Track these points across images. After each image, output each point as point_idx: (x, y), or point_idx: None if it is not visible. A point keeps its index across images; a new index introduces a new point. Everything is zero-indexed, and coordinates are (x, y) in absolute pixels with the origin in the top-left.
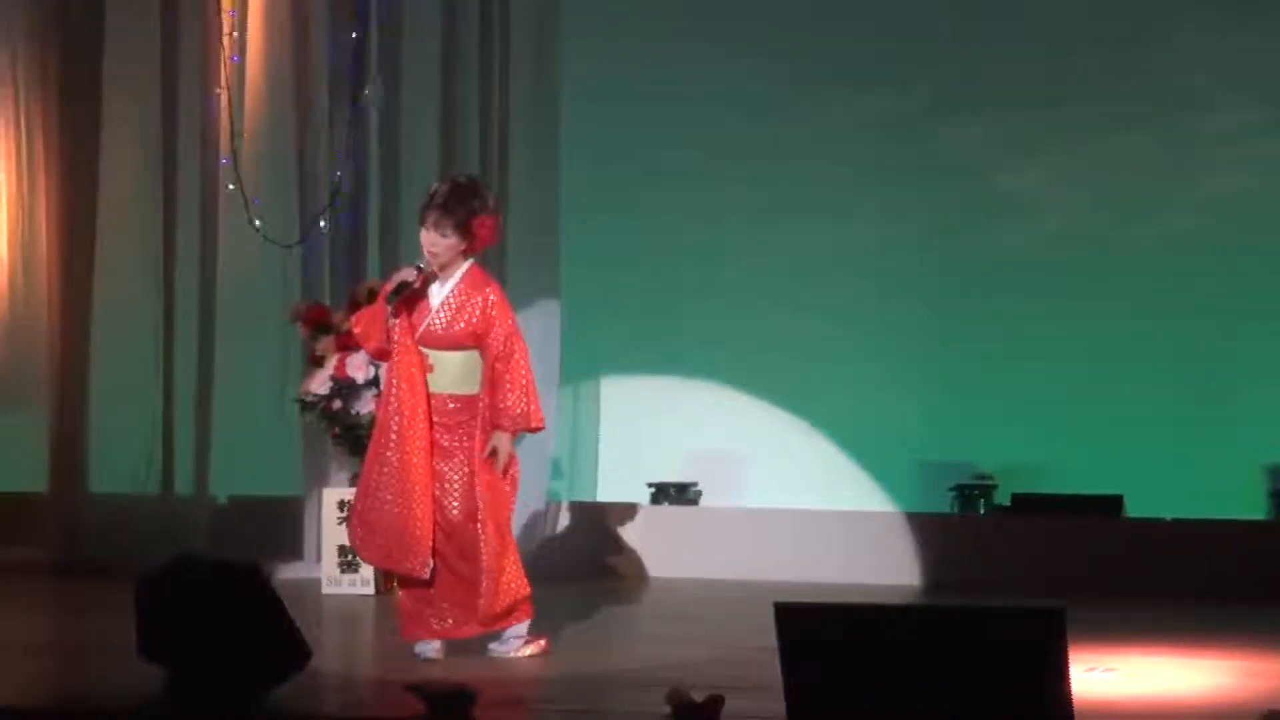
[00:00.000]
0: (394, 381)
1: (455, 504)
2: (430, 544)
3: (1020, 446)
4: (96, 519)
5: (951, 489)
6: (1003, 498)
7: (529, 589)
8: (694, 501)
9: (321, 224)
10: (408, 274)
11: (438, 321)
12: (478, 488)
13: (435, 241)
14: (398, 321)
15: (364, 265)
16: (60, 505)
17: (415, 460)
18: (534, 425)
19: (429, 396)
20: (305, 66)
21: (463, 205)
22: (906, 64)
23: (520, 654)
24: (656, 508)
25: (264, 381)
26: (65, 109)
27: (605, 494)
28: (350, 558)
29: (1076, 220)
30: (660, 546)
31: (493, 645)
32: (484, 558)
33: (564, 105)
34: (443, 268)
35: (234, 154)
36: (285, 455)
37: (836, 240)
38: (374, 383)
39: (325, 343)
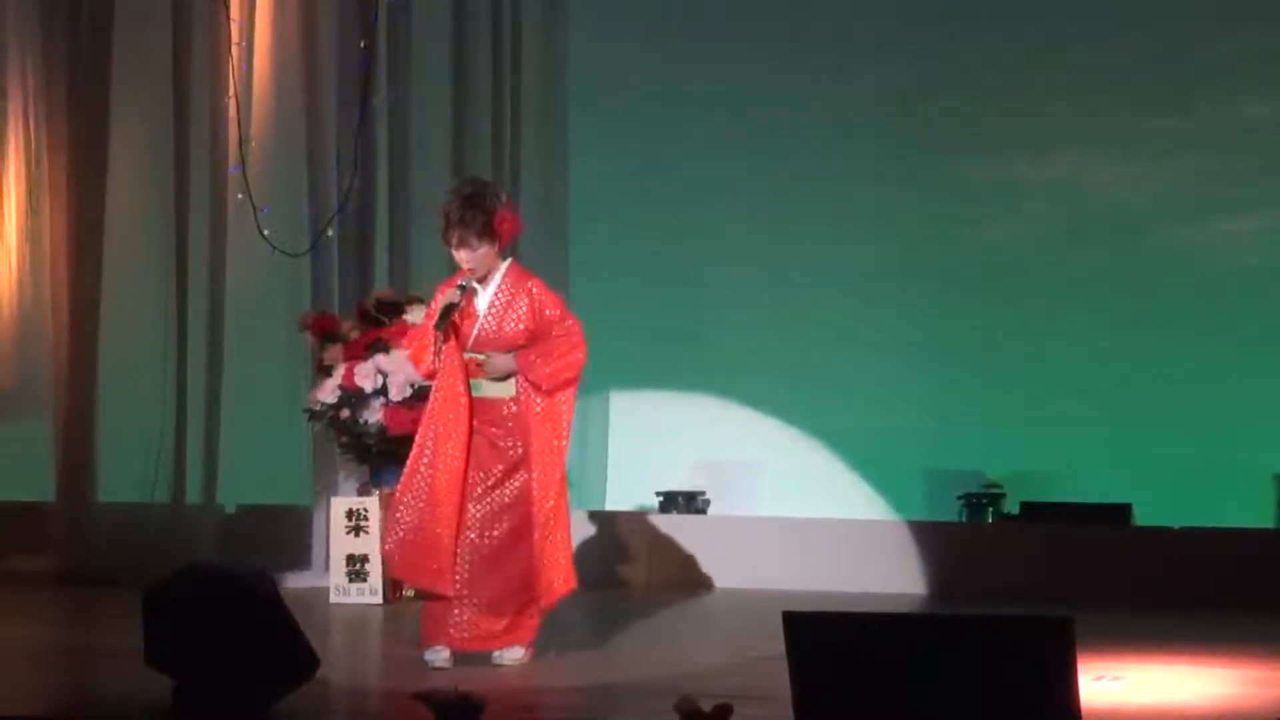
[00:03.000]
0: (436, 404)
1: (504, 505)
2: (454, 562)
3: (1028, 455)
4: (105, 527)
5: (959, 498)
6: (1011, 507)
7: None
8: (702, 510)
9: (330, 233)
10: (451, 297)
11: (489, 325)
12: (531, 493)
13: (469, 258)
14: (446, 346)
15: (372, 274)
16: (68, 514)
17: (447, 483)
18: (535, 380)
19: (476, 405)
20: (314, 74)
21: (479, 211)
22: (919, 70)
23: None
24: (665, 516)
25: (272, 390)
26: (74, 119)
27: (614, 502)
28: (359, 567)
29: (1086, 227)
30: (669, 555)
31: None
32: (534, 549)
33: (573, 115)
34: (484, 278)
35: (243, 162)
36: (294, 464)
37: (845, 251)
38: (382, 391)
39: (333, 351)
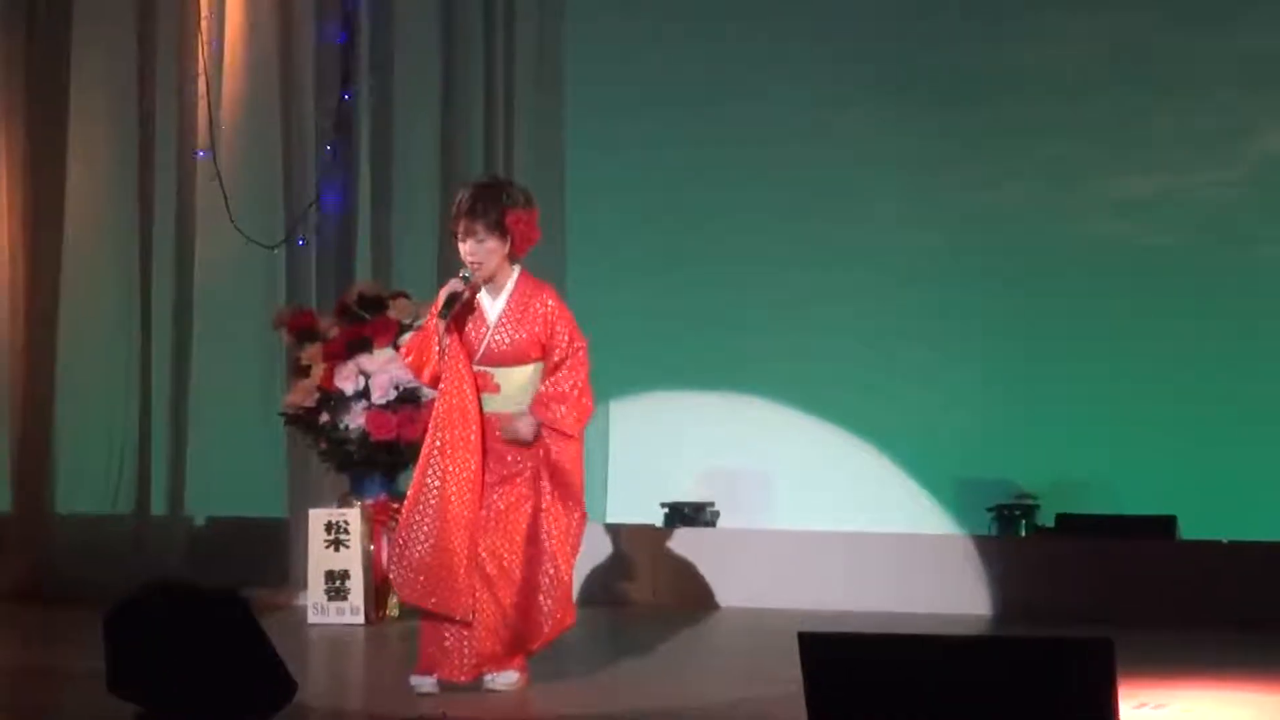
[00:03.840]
0: (442, 412)
1: (514, 527)
2: (471, 586)
3: (1065, 463)
4: (64, 542)
5: (990, 509)
6: (1046, 519)
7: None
8: (711, 523)
9: (308, 223)
10: (454, 285)
11: (500, 337)
12: (544, 515)
13: (474, 250)
14: (451, 341)
15: (353, 267)
16: (25, 527)
17: (458, 499)
18: (561, 428)
19: (487, 421)
20: (289, 51)
21: (492, 205)
22: (942, 52)
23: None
24: (670, 530)
25: (245, 393)
26: (31, 98)
27: (616, 515)
28: (339, 584)
29: (1125, 227)
30: (675, 572)
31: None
32: (541, 588)
33: (569, 107)
34: (489, 278)
35: (213, 147)
36: (268, 473)
37: (861, 244)
38: (364, 394)
39: (311, 351)
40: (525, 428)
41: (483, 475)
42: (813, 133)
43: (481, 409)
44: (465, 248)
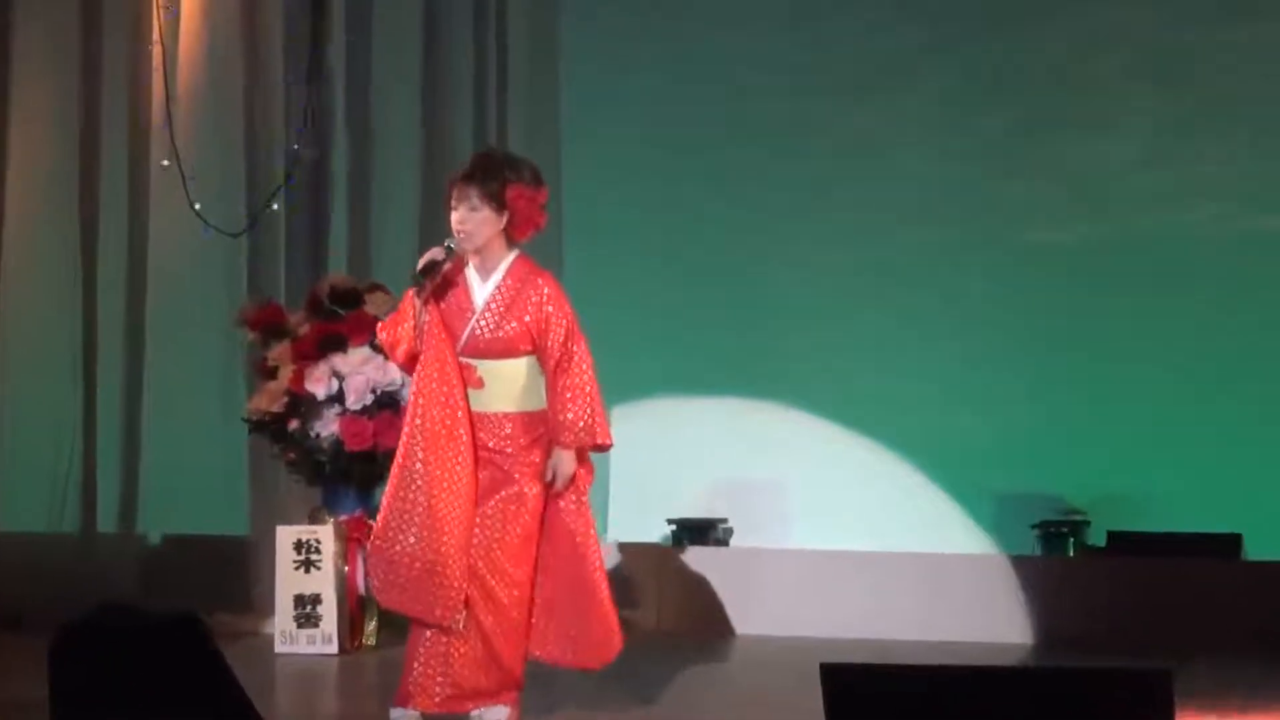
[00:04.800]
0: (420, 402)
1: (500, 548)
2: (463, 590)
3: (1117, 476)
4: (3, 562)
5: (1034, 526)
6: (1096, 537)
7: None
8: (724, 541)
9: (274, 207)
10: (435, 253)
11: (484, 324)
12: (549, 528)
13: (464, 219)
14: (430, 320)
15: (325, 257)
16: None
17: (447, 498)
18: (600, 441)
19: (474, 419)
20: (254, 16)
21: (493, 173)
22: (970, 44)
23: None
24: (678, 549)
25: (204, 397)
26: None
27: (618, 532)
28: (310, 609)
29: (1186, 219)
30: (683, 596)
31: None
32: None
33: (565, 78)
34: (478, 253)
35: (169, 122)
36: (230, 486)
37: (889, 235)
38: (337, 398)
39: (279, 351)
40: (566, 465)
41: (475, 484)
42: (837, 117)
43: (471, 411)
44: (456, 216)
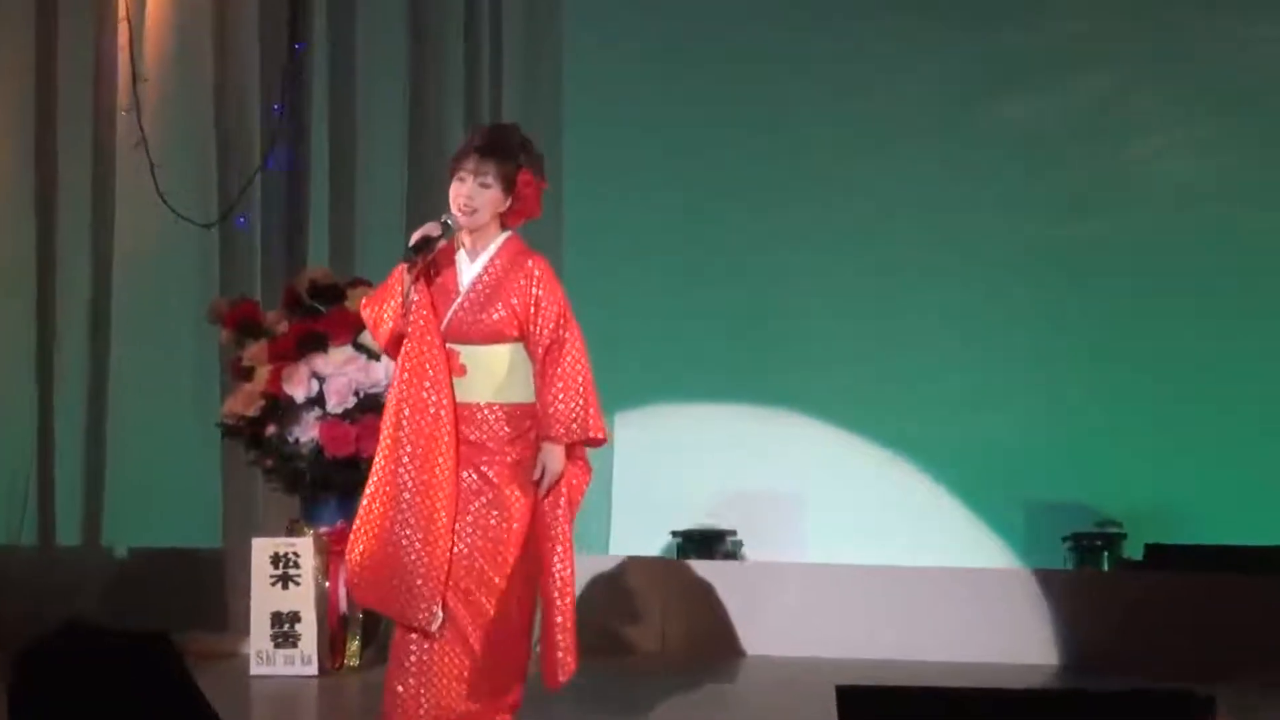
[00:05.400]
0: (404, 390)
1: (483, 557)
2: (443, 591)
3: (1156, 485)
4: None
5: (1066, 539)
6: (1133, 550)
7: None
8: (732, 554)
9: (250, 198)
10: (432, 228)
11: (468, 306)
12: (534, 533)
13: (474, 194)
14: (418, 299)
15: (304, 250)
16: None
17: (432, 493)
18: (593, 435)
19: (457, 407)
20: None
21: (510, 154)
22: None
23: None
24: (683, 563)
25: (175, 400)
26: None
27: (619, 545)
28: (288, 628)
29: (1233, 210)
30: (688, 613)
31: None
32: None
33: (569, 57)
34: (476, 231)
35: (136, 104)
36: (202, 495)
37: (906, 233)
38: (318, 401)
39: (255, 350)
40: (555, 462)
41: (458, 479)
42: (856, 91)
43: (455, 400)
44: (463, 189)
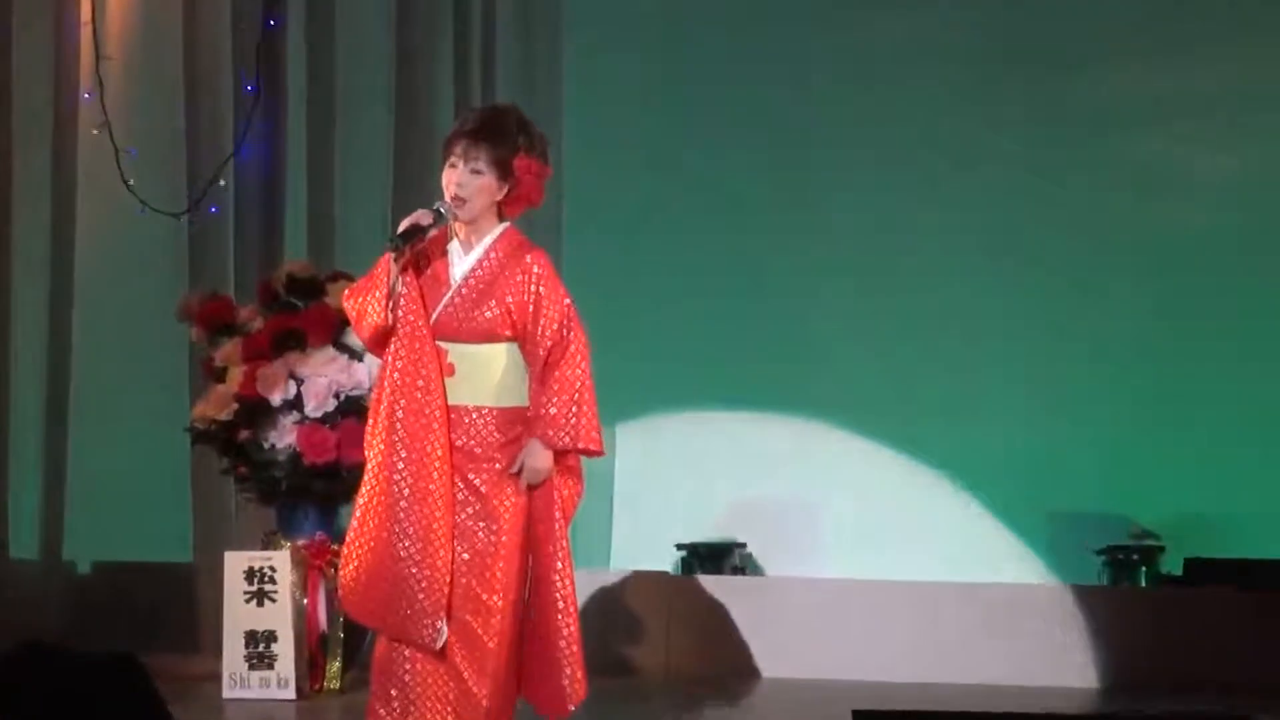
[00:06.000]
0: (393, 392)
1: (471, 573)
2: (446, 604)
3: (1196, 495)
4: None
5: (1100, 552)
6: (1172, 565)
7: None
8: (742, 569)
9: (222, 183)
10: (422, 216)
11: (460, 301)
12: (527, 547)
13: (465, 181)
14: (406, 292)
15: (280, 242)
16: None
17: (434, 498)
18: (584, 444)
19: (449, 411)
20: None
21: (505, 137)
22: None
23: None
24: (689, 578)
25: (141, 403)
26: None
27: (621, 559)
28: (263, 648)
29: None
30: (695, 632)
31: None
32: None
33: (568, 35)
34: (471, 221)
35: (99, 85)
36: (171, 506)
37: (933, 228)
38: (295, 404)
39: (228, 349)
40: (537, 459)
41: (452, 484)
42: (876, 78)
43: (447, 404)
44: (453, 176)
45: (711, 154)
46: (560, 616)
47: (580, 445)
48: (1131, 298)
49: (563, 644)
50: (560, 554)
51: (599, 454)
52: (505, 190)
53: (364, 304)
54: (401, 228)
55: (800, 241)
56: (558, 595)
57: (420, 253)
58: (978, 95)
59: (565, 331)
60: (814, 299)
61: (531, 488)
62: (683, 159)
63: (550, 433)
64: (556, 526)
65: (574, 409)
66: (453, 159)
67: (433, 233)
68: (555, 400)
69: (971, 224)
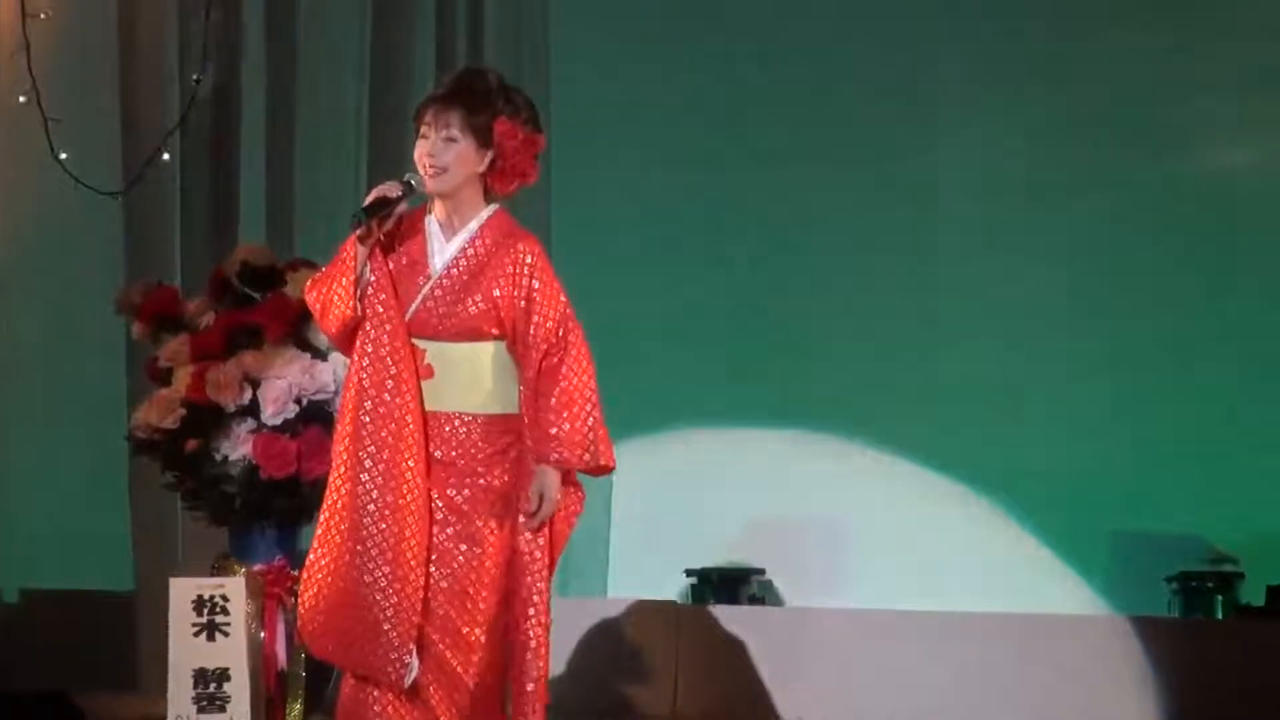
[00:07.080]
0: (359, 395)
1: (449, 602)
2: (415, 637)
3: (1277, 514)
4: None
5: (1170, 579)
6: (1252, 594)
7: None
8: (760, 598)
9: (166, 156)
10: (389, 188)
11: (440, 293)
12: (515, 571)
13: (436, 151)
14: (377, 279)
15: (235, 225)
16: None
17: (406, 514)
18: (604, 462)
19: (425, 417)
20: None
21: (480, 100)
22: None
23: None
24: (701, 607)
25: (74, 408)
26: None
27: (622, 587)
28: (214, 687)
29: None
30: (705, 668)
31: None
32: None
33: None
34: (449, 198)
35: (26, 45)
36: (108, 526)
37: (975, 224)
38: (250, 411)
39: (173, 347)
40: (556, 489)
41: (428, 502)
42: (876, 78)
43: (425, 410)
44: (425, 145)
45: (716, 154)
46: (530, 658)
47: (600, 463)
48: (1200, 296)
49: (531, 687)
50: (540, 584)
51: (613, 470)
52: (487, 160)
53: (328, 295)
54: (368, 200)
55: (827, 240)
56: (531, 636)
57: (395, 236)
58: (987, 93)
59: (563, 331)
60: (837, 301)
61: (542, 523)
62: (684, 158)
63: (567, 454)
64: (539, 553)
65: (589, 423)
66: (424, 129)
67: (402, 207)
68: (566, 415)
69: (1011, 228)
